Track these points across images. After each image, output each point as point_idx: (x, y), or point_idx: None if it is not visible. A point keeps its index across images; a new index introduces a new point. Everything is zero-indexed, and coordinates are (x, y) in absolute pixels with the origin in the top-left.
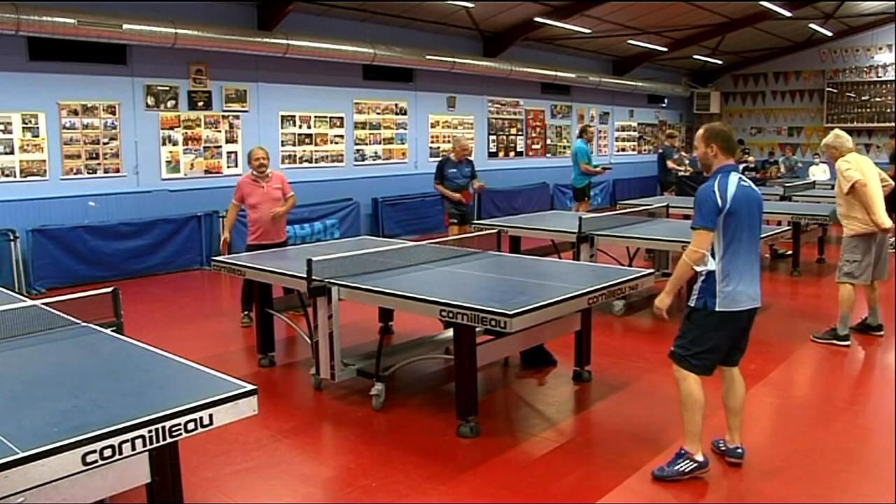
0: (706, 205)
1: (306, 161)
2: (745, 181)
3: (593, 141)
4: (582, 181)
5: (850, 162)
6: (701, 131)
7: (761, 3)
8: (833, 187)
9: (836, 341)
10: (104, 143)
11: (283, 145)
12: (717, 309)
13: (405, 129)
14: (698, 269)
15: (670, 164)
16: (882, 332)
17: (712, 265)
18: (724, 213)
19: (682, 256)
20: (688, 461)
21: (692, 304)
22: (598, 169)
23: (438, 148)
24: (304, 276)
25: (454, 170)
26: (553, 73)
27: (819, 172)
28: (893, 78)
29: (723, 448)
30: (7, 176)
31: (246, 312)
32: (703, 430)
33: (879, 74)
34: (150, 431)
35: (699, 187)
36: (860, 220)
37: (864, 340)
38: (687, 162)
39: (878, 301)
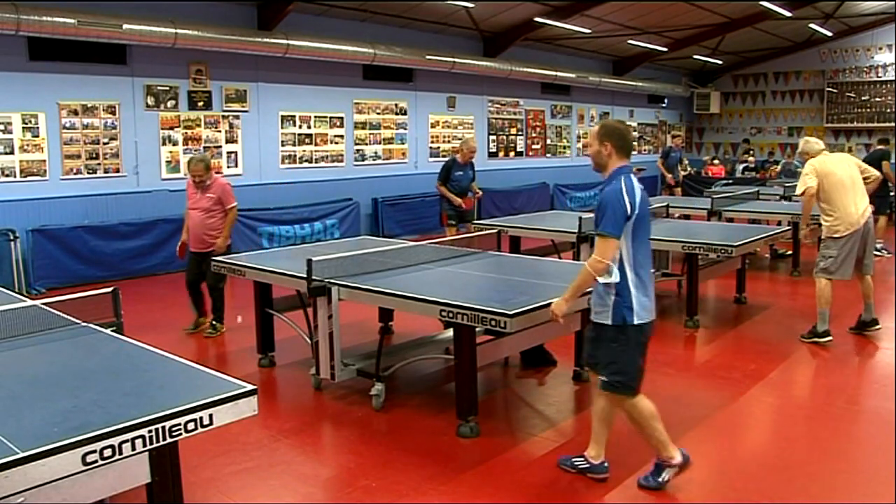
0: (616, 210)
1: (306, 161)
2: (638, 185)
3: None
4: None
5: (813, 166)
6: (596, 128)
7: (761, 3)
8: None
9: (816, 339)
10: (104, 143)
11: (283, 145)
12: (634, 322)
13: (405, 129)
14: (601, 280)
15: (658, 163)
16: (878, 326)
17: (616, 276)
18: (633, 219)
19: (585, 265)
20: (667, 469)
21: (607, 322)
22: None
23: (438, 148)
24: (304, 276)
25: (460, 172)
26: (553, 73)
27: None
28: (893, 78)
29: (583, 466)
30: (7, 176)
31: (212, 322)
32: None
33: (879, 74)
34: (150, 431)
35: (607, 190)
36: (831, 222)
37: (861, 340)
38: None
39: (872, 296)
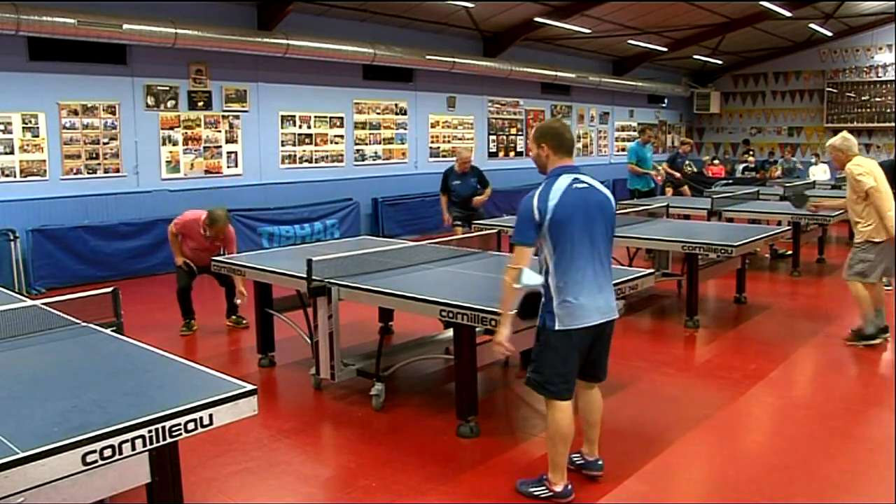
0: (521, 218)
1: (306, 161)
2: (581, 182)
3: (649, 143)
4: (634, 183)
5: (861, 166)
6: (533, 131)
7: (761, 3)
8: (832, 187)
9: (866, 341)
10: (104, 143)
11: (283, 145)
12: (556, 328)
13: (405, 129)
14: (517, 286)
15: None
16: (887, 334)
17: (535, 281)
18: (547, 225)
19: (503, 279)
20: (544, 489)
21: (538, 325)
22: (649, 171)
23: (438, 148)
24: (304, 276)
25: (458, 181)
26: (553, 73)
27: (819, 172)
28: (893, 78)
29: (579, 462)
30: (7, 176)
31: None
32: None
33: (879, 74)
34: (150, 431)
35: (524, 196)
36: (873, 227)
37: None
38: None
39: (884, 301)
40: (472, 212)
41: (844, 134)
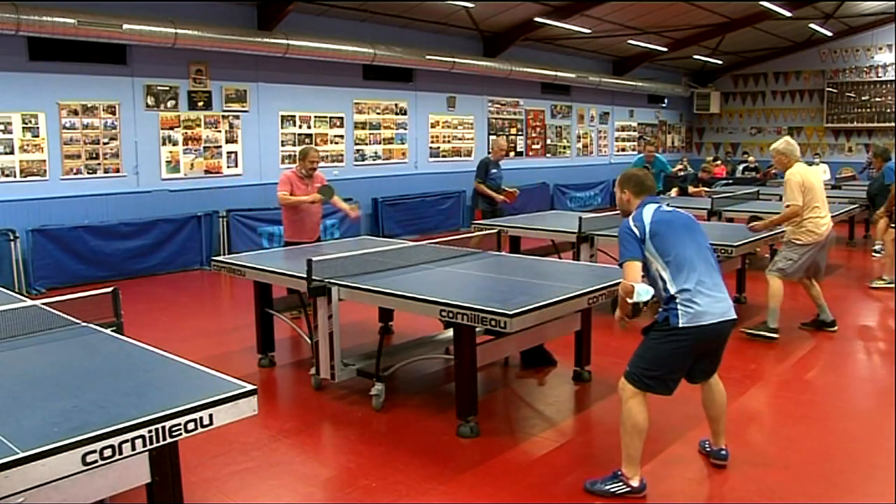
0: (625, 238)
1: None
2: (665, 209)
3: (653, 157)
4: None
5: (798, 175)
6: (618, 178)
7: (761, 3)
8: (832, 187)
9: (766, 333)
10: (104, 143)
11: (283, 145)
12: (679, 324)
13: (405, 129)
14: (630, 301)
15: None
16: (835, 328)
17: (647, 295)
18: (648, 238)
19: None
20: (621, 484)
21: (656, 319)
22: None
23: (438, 148)
24: (304, 276)
25: (495, 170)
26: (553, 73)
27: (818, 173)
28: (893, 78)
29: (708, 449)
30: (7, 176)
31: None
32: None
33: (879, 74)
34: (150, 431)
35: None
36: (805, 230)
37: (861, 340)
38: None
39: (822, 297)
40: (499, 209)
41: (787, 138)
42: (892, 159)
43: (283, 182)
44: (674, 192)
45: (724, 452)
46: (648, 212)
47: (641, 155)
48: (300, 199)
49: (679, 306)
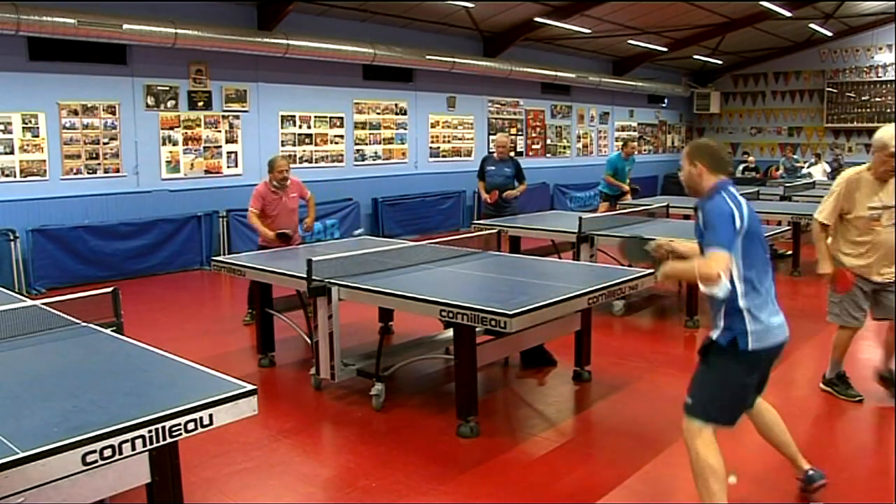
0: (725, 219)
1: (306, 161)
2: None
3: (631, 156)
4: (607, 191)
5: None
6: (686, 148)
7: (761, 3)
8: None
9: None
10: (104, 143)
11: (283, 145)
12: (749, 348)
13: (405, 129)
14: (704, 290)
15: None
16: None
17: (724, 290)
18: (743, 236)
19: (693, 263)
20: None
21: (718, 342)
22: (623, 185)
23: (438, 148)
24: (304, 276)
25: (493, 167)
26: (553, 73)
27: (819, 172)
28: (893, 78)
29: (803, 486)
30: (7, 176)
31: (251, 311)
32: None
33: (879, 74)
34: (150, 431)
35: (710, 202)
36: None
37: (860, 341)
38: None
39: None
40: (506, 206)
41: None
42: None
43: (255, 198)
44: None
45: (812, 473)
46: (741, 200)
47: (619, 153)
48: (263, 232)
49: (748, 325)
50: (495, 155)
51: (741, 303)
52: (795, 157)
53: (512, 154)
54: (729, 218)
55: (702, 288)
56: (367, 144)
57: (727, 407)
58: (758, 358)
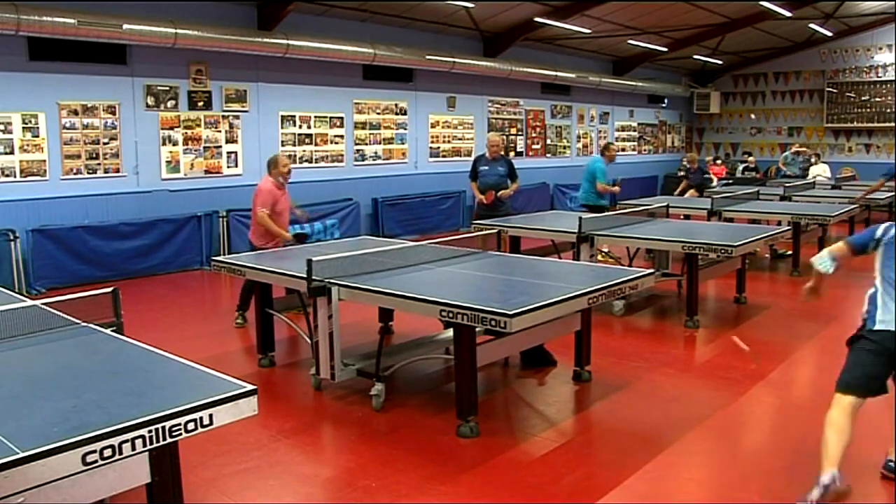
0: (869, 230)
1: (306, 161)
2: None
3: (614, 161)
4: (593, 199)
5: None
6: None
7: (761, 3)
8: (832, 187)
9: None
10: (104, 143)
11: (283, 145)
12: (872, 327)
13: (405, 129)
14: (817, 265)
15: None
16: None
17: (825, 267)
18: (878, 246)
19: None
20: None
21: (865, 325)
22: (613, 187)
23: (438, 148)
24: (304, 276)
25: (486, 167)
26: (553, 73)
27: (819, 172)
28: (893, 78)
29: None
30: (7, 176)
31: (240, 312)
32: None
33: (879, 74)
34: (150, 431)
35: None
36: None
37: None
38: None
39: None
40: (501, 205)
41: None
42: None
43: (263, 197)
44: (690, 192)
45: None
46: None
47: (600, 157)
48: (278, 234)
49: (878, 310)
50: (488, 154)
51: (878, 299)
52: (806, 156)
53: (503, 153)
54: (872, 231)
55: (815, 263)
56: (367, 144)
57: (857, 378)
58: (879, 335)
